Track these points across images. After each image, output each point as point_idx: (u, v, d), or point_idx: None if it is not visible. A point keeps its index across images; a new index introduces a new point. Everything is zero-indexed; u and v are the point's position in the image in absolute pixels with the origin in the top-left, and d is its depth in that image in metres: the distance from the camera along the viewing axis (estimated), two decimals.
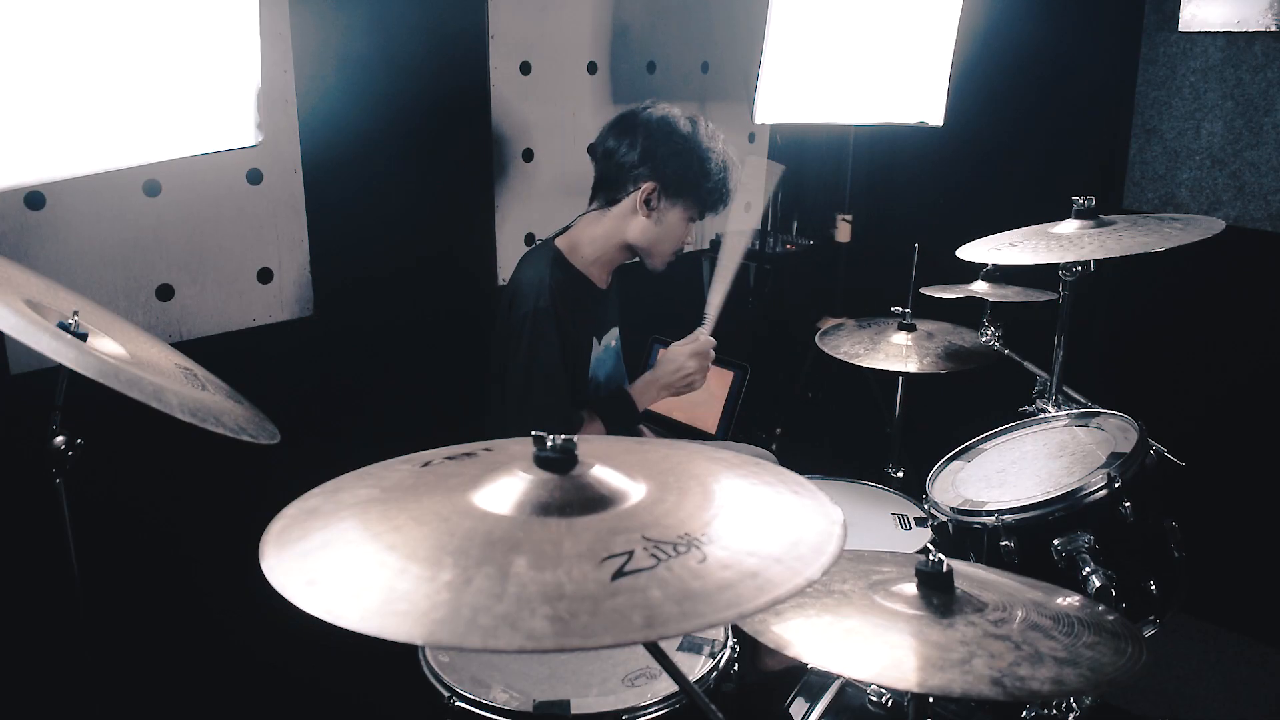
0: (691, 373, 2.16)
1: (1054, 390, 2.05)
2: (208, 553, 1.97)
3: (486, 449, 1.14)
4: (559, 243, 2.22)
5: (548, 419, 2.05)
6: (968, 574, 1.27)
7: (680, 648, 1.57)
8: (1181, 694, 2.68)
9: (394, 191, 2.47)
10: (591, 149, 2.24)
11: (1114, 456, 1.69)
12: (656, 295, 2.35)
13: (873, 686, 1.58)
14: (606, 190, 2.19)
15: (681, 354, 2.17)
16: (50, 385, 1.31)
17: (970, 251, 2.02)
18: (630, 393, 2.19)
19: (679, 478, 1.03)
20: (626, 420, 2.17)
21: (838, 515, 0.97)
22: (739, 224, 2.27)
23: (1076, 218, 1.98)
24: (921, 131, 3.06)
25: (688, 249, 2.28)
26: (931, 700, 1.48)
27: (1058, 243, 1.92)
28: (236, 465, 1.74)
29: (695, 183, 2.14)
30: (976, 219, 2.21)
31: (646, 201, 2.13)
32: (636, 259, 2.25)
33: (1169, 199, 3.13)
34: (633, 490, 0.97)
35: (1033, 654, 1.05)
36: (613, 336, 2.32)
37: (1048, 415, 2.00)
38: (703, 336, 2.17)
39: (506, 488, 0.95)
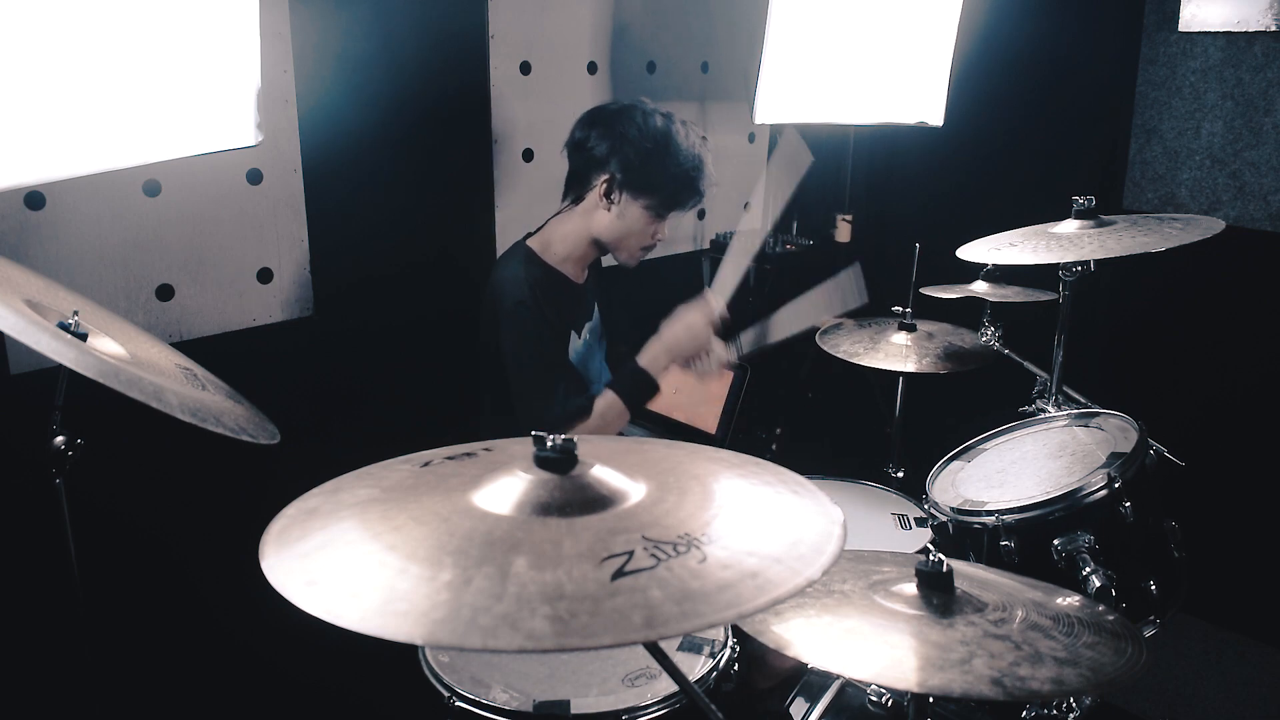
0: (701, 337, 2.04)
1: (1054, 390, 2.05)
2: (208, 553, 1.97)
3: (486, 449, 1.14)
4: (531, 243, 2.22)
5: (557, 409, 2.04)
6: (968, 574, 1.27)
7: (680, 648, 1.57)
8: (1181, 694, 2.68)
9: (394, 191, 2.47)
10: (566, 144, 2.19)
11: (1114, 456, 1.69)
12: (657, 296, 2.34)
13: (873, 686, 1.58)
14: (575, 185, 2.18)
15: (691, 313, 2.06)
16: (50, 385, 1.31)
17: (970, 251, 2.02)
18: (642, 365, 2.07)
19: (679, 478, 1.03)
20: (646, 394, 2.06)
21: (838, 515, 0.97)
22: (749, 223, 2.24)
23: (1076, 218, 1.98)
24: (921, 131, 3.06)
25: (667, 249, 2.20)
26: (931, 700, 1.48)
27: (1058, 243, 1.92)
28: (236, 465, 1.74)
29: (654, 177, 2.09)
30: (976, 219, 2.21)
31: (607, 194, 2.11)
32: (609, 255, 2.24)
33: (1169, 199, 3.13)
34: (633, 490, 0.97)
35: (1033, 654, 1.05)
36: (588, 330, 2.32)
37: (1048, 415, 2.00)
38: (712, 299, 2.07)
39: (506, 488, 0.96)
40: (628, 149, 2.08)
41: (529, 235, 2.26)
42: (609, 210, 2.13)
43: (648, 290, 2.37)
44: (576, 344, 2.23)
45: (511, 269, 2.15)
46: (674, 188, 2.12)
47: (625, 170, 2.09)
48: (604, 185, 2.11)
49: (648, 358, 2.07)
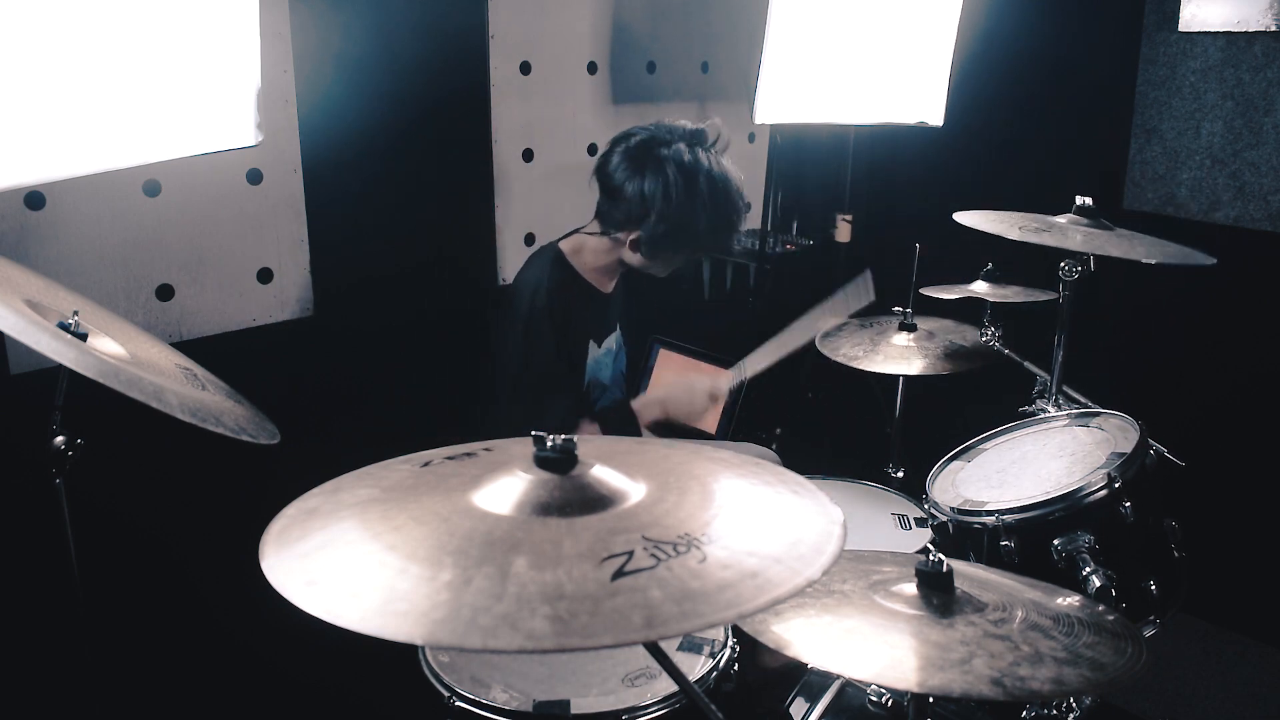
0: (697, 405, 2.18)
1: (1054, 390, 2.05)
2: (208, 553, 1.97)
3: (486, 449, 1.14)
4: (564, 245, 2.21)
5: (544, 418, 2.06)
6: (968, 574, 1.27)
7: (680, 648, 1.57)
8: (1181, 694, 2.68)
9: (394, 192, 2.47)
10: (598, 168, 2.16)
11: (1114, 456, 1.69)
12: (657, 295, 2.35)
13: (873, 686, 1.58)
14: (606, 220, 2.16)
15: (701, 392, 2.17)
16: (50, 385, 1.31)
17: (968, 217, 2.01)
18: (634, 407, 2.19)
19: (679, 478, 1.03)
20: (626, 433, 2.16)
21: (838, 515, 0.97)
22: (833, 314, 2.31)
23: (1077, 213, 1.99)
24: (921, 131, 3.06)
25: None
26: (931, 700, 1.48)
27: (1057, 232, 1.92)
28: (236, 465, 1.74)
29: (679, 247, 2.14)
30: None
31: (634, 246, 2.13)
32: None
33: (1169, 199, 3.13)
34: (633, 490, 0.97)
35: (1033, 654, 1.05)
36: (613, 340, 2.32)
37: (1048, 415, 2.00)
38: (725, 385, 2.18)
39: (506, 488, 0.96)
40: (655, 220, 2.06)
41: (563, 236, 2.25)
42: (637, 255, 2.14)
43: (649, 290, 2.38)
44: (596, 353, 2.23)
45: (535, 271, 2.16)
46: (695, 247, 2.19)
47: (651, 240, 2.09)
48: (632, 242, 2.12)
49: (641, 403, 2.19)
